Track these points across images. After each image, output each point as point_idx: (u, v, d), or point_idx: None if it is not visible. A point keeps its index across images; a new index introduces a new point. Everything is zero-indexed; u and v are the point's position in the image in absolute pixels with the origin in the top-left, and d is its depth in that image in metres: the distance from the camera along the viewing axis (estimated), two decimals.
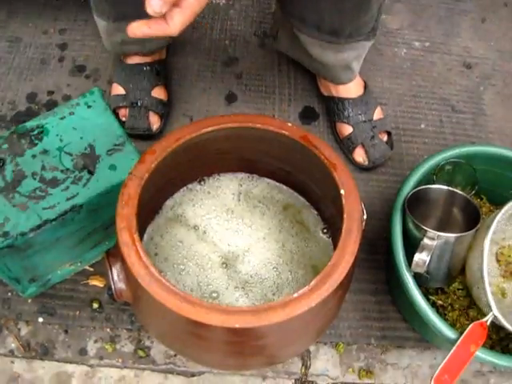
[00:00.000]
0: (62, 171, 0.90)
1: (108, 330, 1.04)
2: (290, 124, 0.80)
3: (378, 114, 1.23)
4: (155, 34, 0.68)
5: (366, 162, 1.21)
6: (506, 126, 1.34)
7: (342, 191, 0.75)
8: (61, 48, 1.36)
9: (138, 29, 0.67)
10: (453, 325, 0.97)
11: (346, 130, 1.22)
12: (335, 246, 0.89)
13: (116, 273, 0.76)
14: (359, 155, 1.21)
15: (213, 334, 0.70)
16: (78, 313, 1.04)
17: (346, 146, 1.23)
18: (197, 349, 0.77)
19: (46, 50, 1.36)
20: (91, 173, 0.90)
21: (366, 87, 1.25)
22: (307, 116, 1.30)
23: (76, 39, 1.38)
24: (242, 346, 0.74)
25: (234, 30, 1.43)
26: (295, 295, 0.67)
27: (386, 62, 1.41)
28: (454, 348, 0.83)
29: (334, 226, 0.91)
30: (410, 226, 0.92)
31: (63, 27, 1.40)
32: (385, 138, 1.23)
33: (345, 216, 0.73)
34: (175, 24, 0.67)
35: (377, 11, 1.07)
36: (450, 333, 0.86)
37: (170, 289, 0.67)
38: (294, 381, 1.01)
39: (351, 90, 1.23)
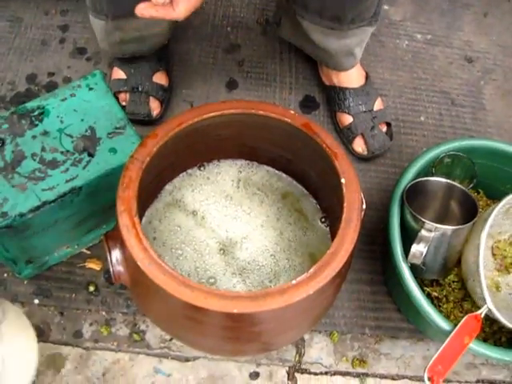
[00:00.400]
0: (61, 153, 0.89)
1: (103, 313, 1.04)
2: (292, 111, 0.81)
3: (378, 105, 1.24)
4: (161, 17, 0.69)
5: (365, 153, 1.21)
6: (505, 121, 1.34)
7: (343, 180, 0.75)
8: (62, 29, 1.35)
9: (145, 10, 0.68)
10: (447, 316, 0.97)
11: (347, 119, 1.22)
12: (333, 235, 0.90)
13: (115, 255, 0.76)
14: (358, 145, 1.21)
15: (210, 319, 0.70)
16: (73, 295, 1.04)
17: (345, 136, 1.23)
18: (193, 333, 0.77)
19: (47, 31, 1.35)
20: (91, 155, 0.90)
21: (367, 78, 1.25)
22: (308, 105, 1.30)
23: (77, 21, 1.37)
24: (239, 331, 0.74)
25: (237, 17, 1.42)
26: (294, 282, 0.67)
27: (387, 53, 1.41)
28: (449, 339, 0.84)
29: (332, 216, 0.91)
30: (408, 217, 0.92)
31: (65, 8, 1.39)
32: (384, 128, 1.23)
33: (345, 205, 0.73)
34: (180, 10, 0.69)
35: None
36: (444, 324, 0.87)
37: (169, 272, 0.67)
38: (287, 368, 1.02)
39: (353, 79, 1.23)
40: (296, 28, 1.18)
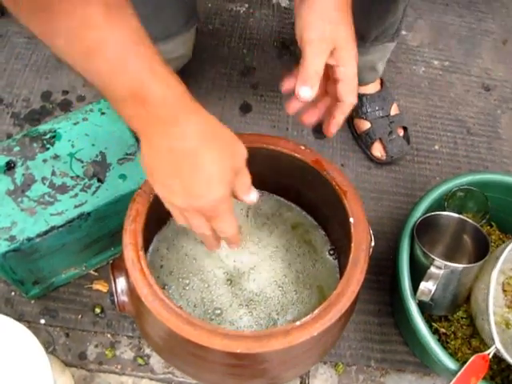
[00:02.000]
0: (71, 178, 0.89)
1: (109, 335, 1.04)
2: (302, 147, 0.80)
3: (394, 110, 1.25)
4: None
5: (384, 157, 1.23)
6: None
7: (351, 219, 0.74)
8: None
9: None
10: (454, 353, 0.96)
11: (364, 125, 1.24)
12: (341, 268, 0.89)
13: (120, 285, 0.75)
14: (377, 150, 1.22)
15: (213, 357, 0.70)
16: (80, 317, 1.04)
17: (363, 142, 1.24)
18: (196, 368, 0.77)
19: None
20: (101, 181, 0.90)
21: (382, 83, 1.25)
22: (320, 130, 1.29)
23: None
24: (243, 368, 0.73)
25: (253, 39, 1.42)
26: (298, 323, 0.66)
27: (403, 79, 1.40)
28: (454, 380, 0.83)
29: (340, 248, 0.90)
30: (418, 252, 0.91)
31: None
32: (401, 133, 1.24)
33: (352, 245, 0.72)
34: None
35: (402, 13, 1.07)
36: (450, 363, 0.86)
37: (173, 309, 0.66)
38: None
39: (369, 86, 1.24)
40: None
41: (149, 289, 0.68)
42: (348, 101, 0.71)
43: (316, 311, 0.68)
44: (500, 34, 1.52)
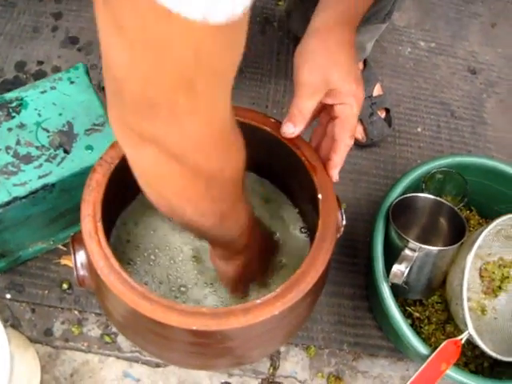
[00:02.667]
0: (37, 147, 0.86)
1: (76, 312, 1.01)
2: (273, 120, 0.77)
3: (377, 91, 1.22)
4: None
5: (364, 139, 1.20)
6: (506, 137, 1.30)
7: (320, 196, 0.72)
8: (55, 17, 1.32)
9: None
10: (428, 339, 0.95)
11: None
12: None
13: (79, 259, 0.72)
14: (358, 132, 1.19)
15: (172, 334, 0.67)
16: (46, 292, 1.02)
17: None
18: (158, 346, 0.74)
19: (40, 18, 1.31)
20: (67, 152, 0.87)
21: (366, 63, 1.22)
22: None
23: (72, 9, 1.33)
24: (204, 347, 0.71)
25: None
26: (258, 301, 0.64)
27: (388, 59, 1.37)
28: (425, 365, 0.81)
29: (312, 227, 0.87)
30: (393, 234, 0.89)
31: None
32: (383, 114, 1.21)
33: (320, 222, 0.70)
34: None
35: None
36: (422, 348, 0.84)
37: (128, 283, 0.64)
38: (260, 380, 0.99)
39: None
40: (306, 22, 1.15)
41: (105, 261, 0.65)
42: (342, 140, 0.71)
43: (278, 290, 0.65)
44: (488, 17, 1.48)
